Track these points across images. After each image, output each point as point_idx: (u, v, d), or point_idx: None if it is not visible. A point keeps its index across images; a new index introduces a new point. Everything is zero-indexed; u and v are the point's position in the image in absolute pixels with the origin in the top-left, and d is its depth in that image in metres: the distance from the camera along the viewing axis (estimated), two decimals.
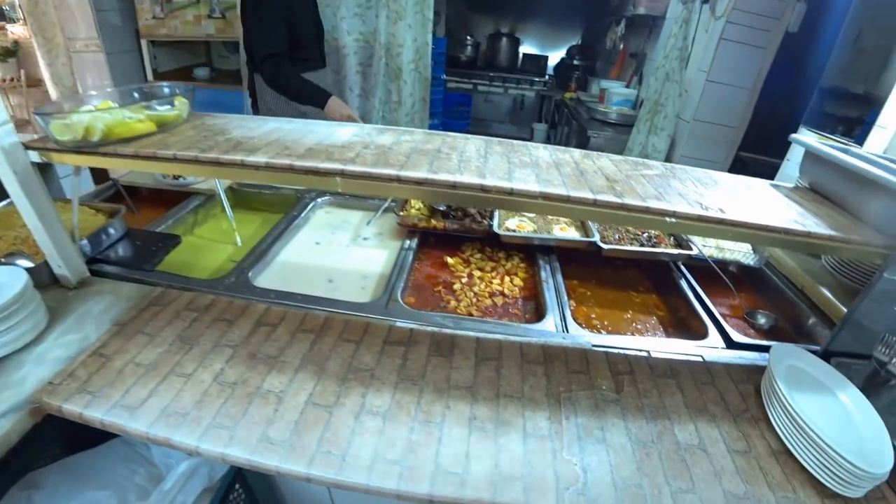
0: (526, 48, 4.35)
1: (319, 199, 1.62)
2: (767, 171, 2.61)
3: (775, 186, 1.19)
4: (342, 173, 0.87)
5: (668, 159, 2.85)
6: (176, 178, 1.54)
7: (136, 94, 1.12)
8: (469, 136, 1.15)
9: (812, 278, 1.41)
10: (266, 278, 1.26)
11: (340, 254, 1.40)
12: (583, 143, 3.00)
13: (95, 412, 0.83)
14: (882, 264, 0.98)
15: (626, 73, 3.42)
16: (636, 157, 2.84)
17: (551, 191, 0.87)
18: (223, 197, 1.48)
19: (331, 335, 1.03)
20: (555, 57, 4.35)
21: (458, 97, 3.83)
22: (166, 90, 1.12)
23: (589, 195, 0.88)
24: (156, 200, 1.60)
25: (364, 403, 0.88)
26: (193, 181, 1.57)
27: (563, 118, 3.80)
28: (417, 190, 0.86)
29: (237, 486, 1.00)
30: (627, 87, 3.36)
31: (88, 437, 1.01)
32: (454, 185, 0.86)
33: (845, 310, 1.20)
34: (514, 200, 0.86)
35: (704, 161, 2.77)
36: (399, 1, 2.58)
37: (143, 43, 3.21)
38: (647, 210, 0.89)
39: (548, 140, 3.82)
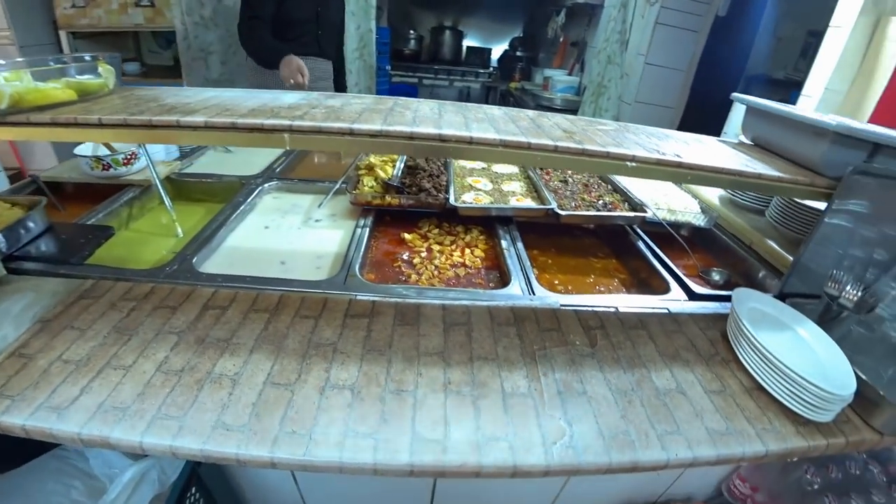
0: (469, 41, 4.38)
1: (266, 185, 1.52)
2: None
3: (722, 141, 1.23)
4: (290, 129, 0.80)
5: None
6: (106, 168, 1.38)
7: (51, 63, 0.98)
8: (422, 99, 1.11)
9: (759, 233, 1.47)
10: (212, 264, 1.16)
11: (292, 236, 1.31)
12: None
13: (15, 418, 0.71)
14: (824, 210, 1.03)
15: (568, 61, 3.51)
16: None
17: (511, 138, 0.84)
18: (160, 187, 1.35)
19: (286, 313, 0.95)
20: (498, 49, 4.41)
21: (404, 88, 3.79)
22: (87, 57, 0.99)
23: (549, 142, 0.86)
24: (84, 196, 1.43)
25: (328, 378, 0.81)
26: (126, 172, 1.42)
27: (510, 105, 3.85)
28: (372, 142, 0.81)
29: (193, 489, 0.90)
30: (570, 74, 3.44)
31: (13, 456, 0.88)
32: (411, 136, 0.81)
33: (791, 258, 1.25)
34: (474, 149, 0.82)
35: None
36: None
37: (63, 35, 2.89)
38: (607, 155, 0.88)
39: None
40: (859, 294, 1.00)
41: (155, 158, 1.55)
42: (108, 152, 1.39)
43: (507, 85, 3.78)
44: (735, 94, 1.28)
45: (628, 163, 0.88)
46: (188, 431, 0.70)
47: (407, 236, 1.36)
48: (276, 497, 1.13)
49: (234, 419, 0.73)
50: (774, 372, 0.87)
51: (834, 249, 1.10)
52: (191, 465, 0.90)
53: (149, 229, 1.38)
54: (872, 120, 1.58)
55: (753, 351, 0.92)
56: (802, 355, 0.93)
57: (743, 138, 1.32)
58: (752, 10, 2.46)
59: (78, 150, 1.40)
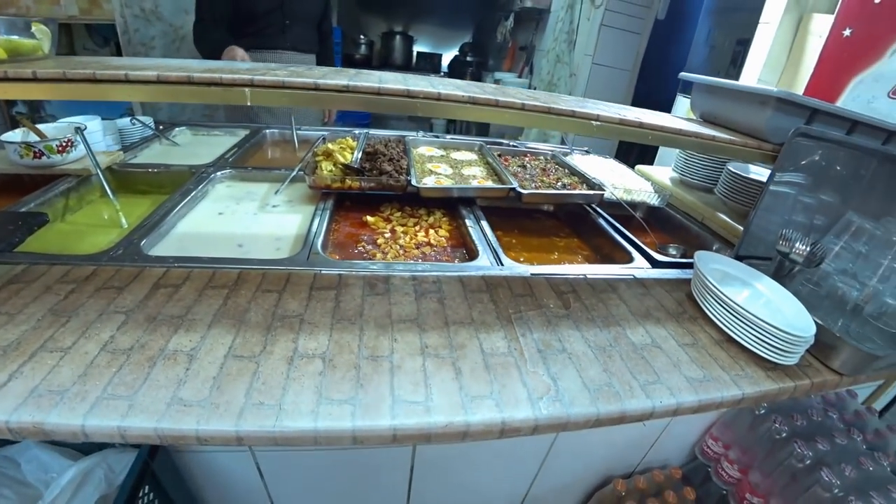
0: (420, 47, 4.41)
1: (218, 174, 1.43)
2: (650, 152, 2.89)
3: (675, 117, 1.28)
4: (251, 83, 0.75)
5: (562, 140, 3.02)
6: (38, 156, 1.24)
7: None
8: (384, 71, 1.09)
9: (710, 209, 1.54)
10: (162, 249, 1.06)
11: (248, 221, 1.23)
12: (484, 130, 3.08)
13: None
14: (770, 172, 1.09)
15: (518, 64, 3.62)
16: (535, 137, 3.00)
17: (480, 95, 0.83)
18: (101, 175, 1.24)
19: (247, 289, 0.89)
20: (448, 55, 4.47)
21: None
22: (20, 20, 0.89)
23: (517, 100, 0.85)
24: (10, 190, 1.28)
25: (296, 348, 0.76)
26: (60, 161, 1.28)
27: None
28: (339, 97, 0.77)
29: (146, 487, 0.80)
30: (520, 77, 3.54)
31: None
32: (378, 92, 0.79)
33: (741, 228, 1.32)
34: (443, 105, 0.81)
35: (594, 145, 2.98)
36: None
37: None
38: (573, 114, 0.89)
39: (447, 132, 3.89)
40: (808, 249, 1.05)
41: (94, 149, 1.43)
42: (38, 139, 1.27)
43: None
44: (683, 74, 1.35)
45: (593, 122, 0.89)
46: (139, 410, 0.63)
47: (369, 219, 1.32)
48: (240, 494, 1.04)
49: (193, 394, 0.66)
50: (742, 322, 0.90)
51: (782, 210, 1.17)
52: (142, 461, 0.80)
53: (88, 222, 1.26)
54: None
55: (720, 304, 0.95)
56: (764, 306, 0.97)
57: (693, 114, 1.39)
58: (688, 14, 2.64)
59: (5, 137, 1.27)
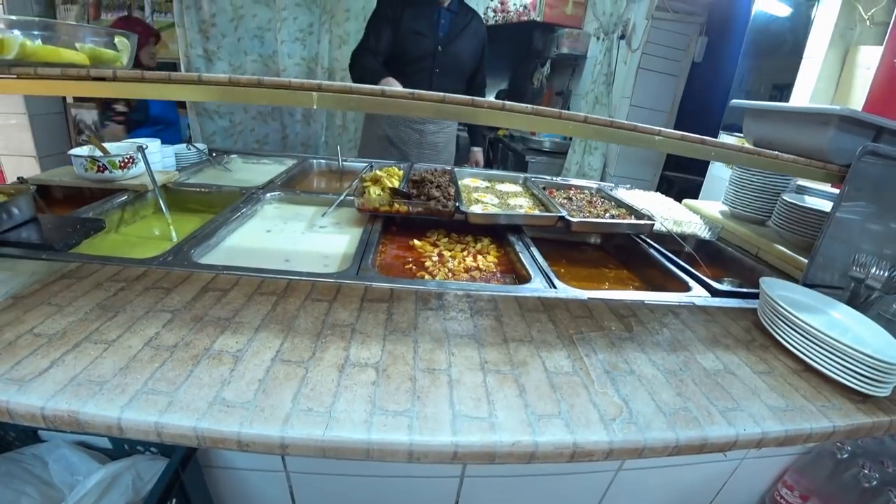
0: None
1: (268, 195, 1.46)
2: (691, 187, 2.84)
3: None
4: (319, 88, 0.77)
5: (602, 178, 3.02)
6: (101, 170, 1.30)
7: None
8: None
9: (766, 240, 1.47)
10: (211, 258, 1.07)
11: (296, 239, 1.23)
12: (522, 170, 3.11)
13: None
14: (837, 195, 1.04)
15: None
16: (574, 174, 3.00)
17: (544, 108, 0.82)
18: (157, 190, 1.28)
19: (296, 297, 0.87)
20: None
21: None
22: (103, 30, 0.95)
23: (580, 113, 0.85)
24: (73, 202, 1.34)
25: (348, 357, 0.72)
26: (121, 176, 1.34)
27: (499, 153, 3.95)
28: (404, 104, 0.78)
29: (173, 499, 0.75)
30: None
31: None
32: (443, 100, 0.79)
33: (802, 259, 1.25)
34: (506, 115, 0.81)
35: (635, 179, 2.95)
36: (342, 26, 2.61)
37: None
38: (635, 128, 0.87)
39: None
40: (886, 273, 0.98)
41: (153, 169, 1.49)
42: (103, 154, 1.33)
43: (495, 133, 3.92)
44: (735, 101, 1.33)
45: (656, 136, 0.87)
46: (179, 407, 0.60)
47: (416, 242, 1.31)
48: None
49: (237, 395, 0.63)
50: (823, 349, 0.83)
51: (849, 238, 1.10)
52: (173, 470, 0.76)
53: (141, 234, 1.29)
54: None
55: (796, 331, 0.88)
56: (845, 332, 0.90)
57: (747, 142, 1.35)
58: (726, 56, 2.66)
59: (73, 151, 1.34)
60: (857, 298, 1.03)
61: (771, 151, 0.96)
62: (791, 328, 0.89)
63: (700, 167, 2.50)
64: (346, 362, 0.71)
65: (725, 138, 2.29)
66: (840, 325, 0.93)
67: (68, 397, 0.60)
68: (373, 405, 0.64)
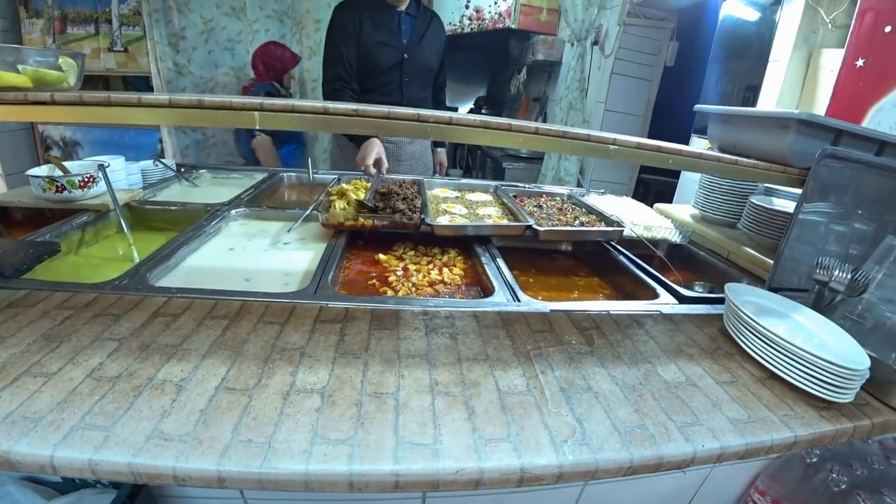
0: None
1: (233, 212, 1.43)
2: (668, 190, 2.86)
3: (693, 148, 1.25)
4: (261, 108, 0.74)
5: (578, 183, 3.02)
6: (60, 190, 1.26)
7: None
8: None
9: (736, 243, 1.47)
10: (168, 280, 1.04)
11: (258, 257, 1.21)
12: (500, 176, 3.11)
13: None
14: (799, 198, 1.04)
15: (531, 115, 3.70)
16: (550, 181, 3.00)
17: (492, 120, 0.81)
18: (118, 210, 1.24)
19: (248, 320, 0.84)
20: (464, 108, 4.62)
21: None
22: (48, 52, 0.93)
23: (531, 124, 0.83)
24: (34, 225, 1.27)
25: (294, 382, 0.70)
26: (81, 196, 1.30)
27: (477, 161, 3.96)
28: (348, 121, 0.76)
29: None
30: None
31: None
32: (388, 116, 0.77)
33: (770, 261, 1.24)
34: (454, 129, 0.79)
35: (611, 183, 2.97)
36: (312, 37, 2.60)
37: None
38: (588, 138, 0.86)
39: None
40: (849, 276, 0.97)
41: (116, 187, 1.45)
42: (62, 174, 1.29)
43: None
44: (699, 106, 1.33)
45: (610, 146, 0.86)
46: (115, 442, 0.57)
47: (382, 257, 1.29)
48: None
49: (176, 427, 0.60)
50: (787, 356, 0.82)
51: (814, 239, 1.10)
52: (121, 503, 0.73)
53: (102, 255, 1.25)
54: None
55: (760, 338, 0.87)
56: (809, 338, 0.89)
57: (712, 146, 1.35)
58: (697, 60, 2.69)
59: (31, 171, 1.30)
60: (822, 301, 1.02)
61: (731, 157, 0.96)
62: (754, 335, 0.88)
63: (675, 170, 2.52)
64: (291, 388, 0.69)
65: (697, 141, 2.31)
66: (804, 331, 0.92)
67: (1, 436, 0.56)
68: (314, 434, 0.61)
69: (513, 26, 3.44)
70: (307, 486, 0.57)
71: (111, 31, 2.69)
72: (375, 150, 1.75)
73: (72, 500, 0.79)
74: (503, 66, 4.10)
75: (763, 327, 0.85)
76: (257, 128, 2.40)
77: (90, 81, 3.12)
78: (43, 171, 1.33)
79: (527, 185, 1.99)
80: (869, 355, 0.81)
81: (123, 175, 1.50)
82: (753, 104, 2.12)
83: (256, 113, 0.74)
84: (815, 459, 1.06)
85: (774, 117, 1.08)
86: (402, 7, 1.99)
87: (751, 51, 2.22)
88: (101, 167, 1.27)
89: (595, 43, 2.83)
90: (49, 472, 0.56)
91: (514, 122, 0.82)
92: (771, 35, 1.97)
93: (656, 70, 2.79)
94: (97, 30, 2.71)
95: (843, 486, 0.99)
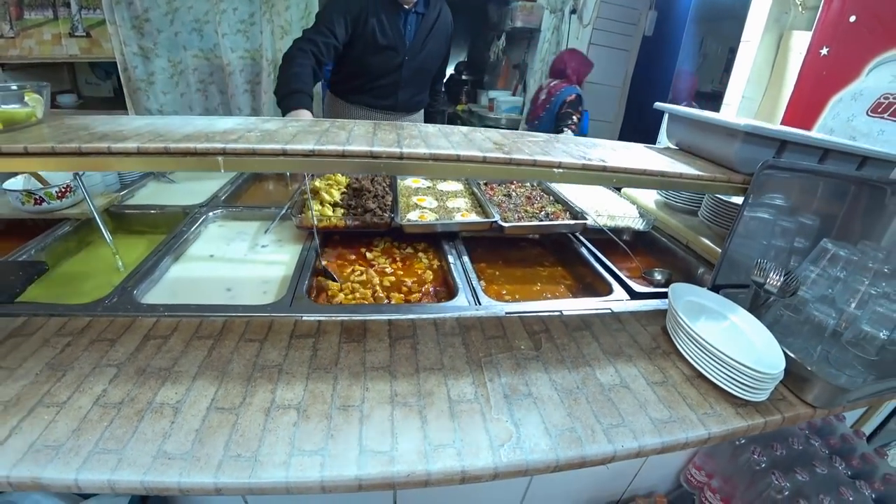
0: None
1: (211, 214, 1.49)
2: (651, 129, 2.89)
3: (649, 147, 1.31)
4: (223, 152, 0.80)
5: None
6: (38, 202, 1.31)
7: None
8: (359, 121, 1.13)
9: (693, 232, 1.56)
10: (154, 295, 1.12)
11: (238, 263, 1.28)
12: None
13: None
14: (741, 204, 1.11)
15: (512, 82, 3.67)
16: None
17: (441, 152, 0.87)
18: (98, 219, 1.30)
19: (231, 338, 0.93)
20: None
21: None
22: (13, 87, 0.96)
23: (478, 154, 0.89)
24: (15, 235, 1.34)
25: (274, 399, 0.80)
26: (60, 206, 1.35)
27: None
28: (305, 162, 0.82)
29: None
30: (513, 95, 3.59)
31: None
32: (343, 154, 0.83)
33: None
34: (405, 164, 0.85)
35: (598, 121, 2.99)
36: (283, 15, 2.53)
37: None
38: (534, 163, 0.92)
39: None
40: (781, 279, 1.07)
41: (93, 191, 1.50)
42: (40, 186, 1.33)
43: (454, 108, 3.89)
44: (658, 104, 1.38)
45: (555, 169, 0.93)
46: (128, 464, 0.68)
47: (354, 257, 1.37)
48: None
49: (176, 447, 0.71)
50: (711, 359, 0.92)
51: (756, 240, 1.19)
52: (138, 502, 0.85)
53: (88, 264, 1.32)
54: (784, 122, 1.72)
55: (691, 341, 0.97)
56: (736, 341, 0.99)
57: (669, 144, 1.41)
58: (676, 29, 2.66)
59: (7, 185, 1.34)
60: (758, 300, 1.12)
61: (675, 171, 1.02)
62: (686, 338, 0.98)
63: (653, 137, 2.55)
64: (272, 405, 0.79)
65: None
66: (733, 333, 1.01)
67: (29, 464, 0.66)
68: (292, 446, 0.72)
69: None
70: (288, 490, 0.69)
71: (70, 15, 2.60)
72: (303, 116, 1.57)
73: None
74: (483, 32, 4.00)
75: (693, 331, 0.95)
76: None
77: (54, 68, 3.05)
78: (19, 183, 1.37)
79: None
80: (787, 355, 0.91)
81: (100, 178, 1.54)
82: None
83: (220, 157, 0.79)
84: (742, 441, 1.20)
85: (723, 126, 1.14)
86: (411, 5, 1.90)
87: (733, 10, 2.20)
88: (77, 175, 1.31)
89: (573, 12, 2.78)
90: (75, 491, 0.67)
91: (462, 153, 0.88)
92: (745, 4, 1.96)
93: (635, 40, 2.77)
94: (55, 14, 2.61)
95: (763, 465, 1.13)
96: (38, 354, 0.87)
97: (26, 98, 0.93)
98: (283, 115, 1.59)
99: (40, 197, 1.31)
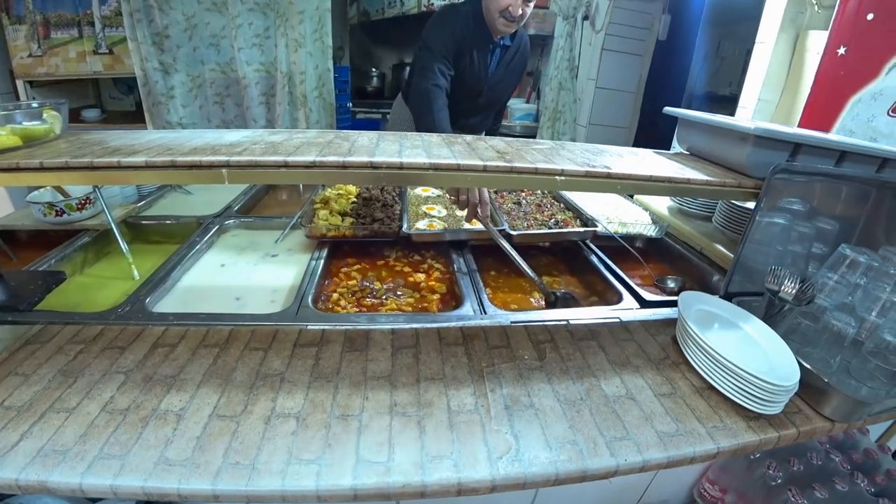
0: None
1: (224, 223, 1.53)
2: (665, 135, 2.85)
3: (659, 153, 1.29)
4: (227, 164, 0.82)
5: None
6: (60, 213, 1.37)
7: None
8: (362, 131, 1.15)
9: (707, 238, 1.52)
10: (166, 304, 1.15)
11: (248, 272, 1.31)
12: None
13: None
14: (753, 209, 1.08)
15: (525, 90, 3.66)
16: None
17: (441, 161, 0.87)
18: (115, 230, 1.34)
19: (236, 347, 0.95)
20: None
21: (366, 124, 3.87)
22: (34, 104, 1.00)
23: (479, 162, 0.89)
24: (38, 244, 1.40)
25: (274, 408, 0.81)
26: (80, 217, 1.41)
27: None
28: (306, 173, 0.83)
29: None
30: (527, 102, 3.58)
31: None
32: (343, 165, 0.84)
33: None
34: (405, 174, 0.85)
35: (612, 127, 2.95)
36: (297, 29, 2.59)
37: (20, 84, 2.88)
38: (535, 171, 0.91)
39: None
40: (797, 286, 1.03)
41: (112, 202, 1.55)
42: (62, 198, 1.39)
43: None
44: (667, 108, 1.35)
45: (557, 177, 0.92)
46: (130, 469, 0.69)
47: (359, 267, 1.38)
48: None
49: (177, 454, 0.72)
50: (721, 370, 0.88)
51: (771, 246, 1.15)
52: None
53: (105, 274, 1.36)
54: (802, 124, 1.67)
55: (700, 351, 0.94)
56: (749, 351, 0.95)
57: (680, 148, 1.38)
58: (690, 33, 2.62)
59: (30, 197, 1.40)
60: (773, 308, 1.08)
61: (682, 177, 1.00)
62: (696, 347, 0.95)
63: (668, 142, 2.51)
64: (272, 413, 0.80)
65: None
66: (746, 343, 0.98)
67: (37, 469, 0.68)
68: (290, 455, 0.72)
69: None
70: (283, 499, 0.69)
71: (94, 33, 2.71)
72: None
73: None
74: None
75: (703, 341, 0.92)
76: None
77: (80, 85, 3.19)
78: (42, 195, 1.43)
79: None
80: (803, 366, 0.87)
81: (118, 190, 1.59)
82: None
83: (224, 170, 0.81)
84: (758, 455, 1.16)
85: (733, 129, 1.11)
86: (499, 38, 1.88)
87: (748, 13, 2.15)
88: (96, 187, 1.36)
89: (585, 18, 2.77)
90: (79, 496, 0.69)
91: (462, 162, 0.88)
92: (759, 5, 1.92)
93: (648, 44, 2.74)
94: (80, 33, 2.73)
95: (779, 482, 1.09)
96: (52, 361, 0.90)
97: (45, 115, 0.97)
98: None
99: (61, 209, 1.37)
